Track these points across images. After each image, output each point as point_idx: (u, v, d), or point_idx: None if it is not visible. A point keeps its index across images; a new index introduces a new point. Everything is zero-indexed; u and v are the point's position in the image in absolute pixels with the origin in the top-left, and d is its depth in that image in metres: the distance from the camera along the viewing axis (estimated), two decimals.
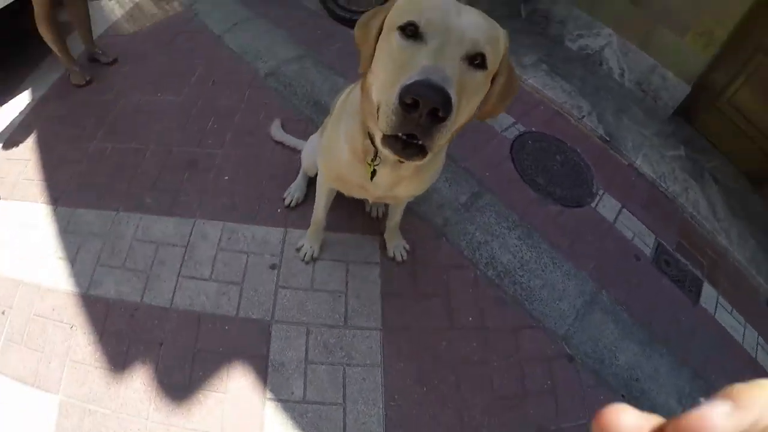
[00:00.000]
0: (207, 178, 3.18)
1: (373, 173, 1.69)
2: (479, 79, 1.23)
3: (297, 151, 3.17)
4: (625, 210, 3.40)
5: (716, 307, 3.16)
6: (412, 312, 2.69)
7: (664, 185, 3.66)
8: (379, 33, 1.32)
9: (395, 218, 2.66)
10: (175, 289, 2.69)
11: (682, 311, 3.03)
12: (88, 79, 3.95)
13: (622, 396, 2.56)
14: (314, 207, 2.56)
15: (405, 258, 2.85)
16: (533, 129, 3.75)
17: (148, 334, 2.52)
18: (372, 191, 1.88)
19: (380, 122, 1.17)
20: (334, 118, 1.88)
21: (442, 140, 1.15)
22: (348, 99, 1.75)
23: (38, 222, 3.01)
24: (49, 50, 3.97)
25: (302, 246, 2.79)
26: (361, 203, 2.97)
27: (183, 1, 5.02)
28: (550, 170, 3.46)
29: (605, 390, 2.57)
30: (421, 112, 1.05)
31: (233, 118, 3.58)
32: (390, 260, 2.88)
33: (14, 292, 2.70)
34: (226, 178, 3.19)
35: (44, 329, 2.54)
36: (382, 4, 1.50)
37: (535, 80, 4.15)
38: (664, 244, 3.32)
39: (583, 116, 3.92)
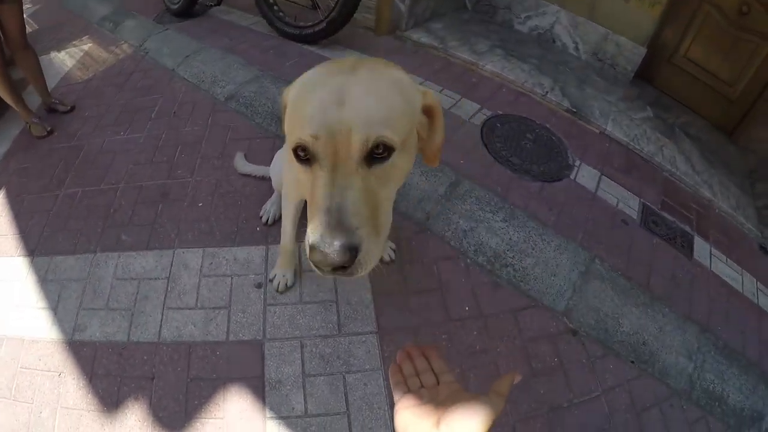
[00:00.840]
0: (181, 207, 3.07)
1: None
2: (389, 166, 1.11)
3: (267, 179, 3.05)
4: (604, 177, 3.30)
5: (710, 259, 3.06)
6: (407, 310, 2.55)
7: (638, 147, 3.58)
8: None
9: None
10: (161, 322, 2.55)
11: (677, 268, 2.91)
12: (48, 129, 3.87)
13: (632, 362, 2.45)
14: (281, 232, 2.42)
15: (393, 257, 2.73)
16: (499, 112, 3.66)
17: (138, 371, 2.39)
18: None
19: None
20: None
21: (373, 254, 1.08)
22: None
23: (16, 275, 2.90)
24: (5, 108, 3.92)
25: (274, 276, 2.64)
26: None
27: (132, 42, 5.01)
28: (524, 149, 3.36)
29: (613, 359, 2.46)
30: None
31: (200, 145, 3.49)
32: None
33: None
34: (200, 204, 3.08)
35: (32, 380, 2.40)
36: None
37: (493, 65, 4.07)
38: (649, 204, 3.23)
39: (546, 92, 3.84)
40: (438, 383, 1.00)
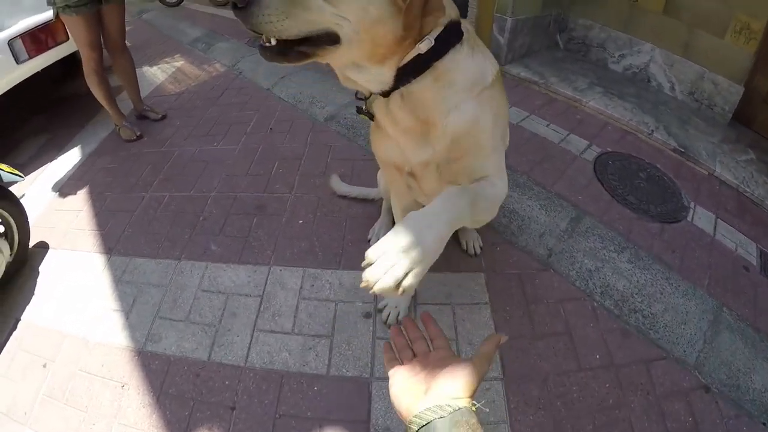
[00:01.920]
0: (279, 223, 2.69)
1: (371, 117, 1.32)
2: None
3: (368, 201, 2.73)
4: (720, 220, 2.79)
5: None
6: (534, 355, 2.03)
7: (748, 190, 3.06)
8: None
9: None
10: (250, 344, 2.10)
11: None
12: (138, 134, 3.66)
13: (763, 424, 1.91)
14: None
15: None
16: (608, 149, 3.23)
17: (217, 397, 1.94)
18: (412, 159, 1.32)
19: None
20: None
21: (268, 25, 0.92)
22: None
23: (89, 272, 2.56)
24: (94, 113, 3.87)
25: (385, 306, 2.17)
26: (452, 238, 2.41)
27: (225, 62, 4.84)
28: (638, 188, 2.90)
29: (746, 420, 1.91)
30: None
31: (299, 162, 3.15)
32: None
33: (59, 344, 2.24)
34: (301, 221, 2.69)
35: (90, 386, 2.03)
36: None
37: (595, 102, 3.64)
38: (767, 251, 2.69)
39: (652, 131, 3.36)
40: (431, 351, 0.94)
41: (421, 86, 1.09)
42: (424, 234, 0.93)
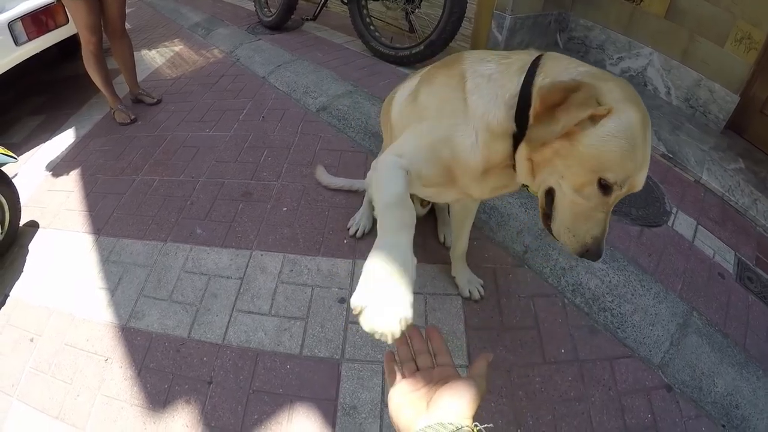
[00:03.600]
0: (264, 209, 2.81)
1: None
2: None
3: (352, 192, 2.85)
4: (700, 227, 2.90)
5: None
6: (500, 346, 2.17)
7: (733, 199, 3.16)
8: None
9: (461, 244, 2.22)
10: (228, 323, 2.24)
11: None
12: (132, 117, 3.78)
13: (723, 426, 2.04)
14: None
15: (482, 294, 2.35)
16: None
17: (195, 372, 2.08)
18: (478, 191, 1.45)
19: (562, 237, 1.24)
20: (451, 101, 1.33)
21: None
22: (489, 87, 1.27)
23: (77, 251, 2.69)
24: (90, 96, 3.99)
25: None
26: (431, 230, 2.64)
27: (223, 48, 4.94)
28: None
29: (706, 421, 2.04)
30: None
31: (288, 151, 3.26)
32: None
33: (46, 319, 2.38)
34: (285, 209, 2.80)
35: (75, 360, 2.18)
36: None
37: None
38: (744, 259, 2.81)
39: None
40: (435, 366, 0.94)
41: None
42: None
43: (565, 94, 1.05)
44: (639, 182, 1.11)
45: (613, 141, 1.03)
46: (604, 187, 1.09)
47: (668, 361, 2.18)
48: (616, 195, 1.11)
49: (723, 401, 2.11)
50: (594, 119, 1.03)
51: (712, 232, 2.89)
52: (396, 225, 1.08)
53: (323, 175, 2.88)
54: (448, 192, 1.53)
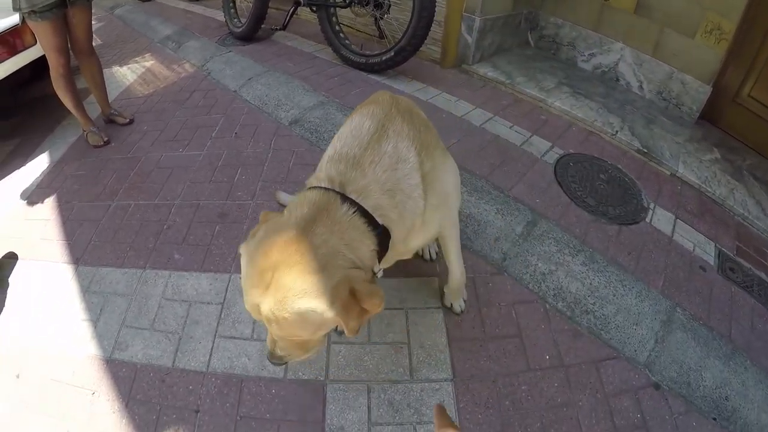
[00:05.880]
0: (240, 230, 2.79)
1: None
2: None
3: None
4: (679, 221, 2.93)
5: None
6: (484, 357, 2.17)
7: (710, 190, 3.20)
8: None
9: (456, 276, 2.16)
10: (211, 350, 2.22)
11: (757, 317, 2.52)
12: (105, 139, 3.73)
13: (714, 419, 2.06)
14: None
15: (463, 309, 2.34)
16: (571, 151, 3.36)
17: (181, 401, 2.06)
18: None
19: None
20: None
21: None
22: None
23: (58, 282, 2.65)
24: (63, 117, 3.90)
25: None
26: None
27: (194, 62, 4.90)
28: (598, 189, 3.03)
29: (696, 416, 2.06)
30: None
31: (261, 168, 3.24)
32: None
33: (29, 354, 2.34)
34: None
35: (63, 395, 2.13)
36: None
37: (561, 102, 3.78)
38: (725, 250, 2.84)
39: (616, 132, 3.51)
40: None
41: None
42: None
43: None
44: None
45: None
46: None
47: (654, 359, 2.20)
48: None
49: (712, 394, 2.13)
50: None
51: (691, 225, 2.92)
52: None
53: (283, 197, 2.87)
54: None
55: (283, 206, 2.77)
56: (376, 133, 1.48)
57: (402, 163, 1.46)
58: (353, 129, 1.54)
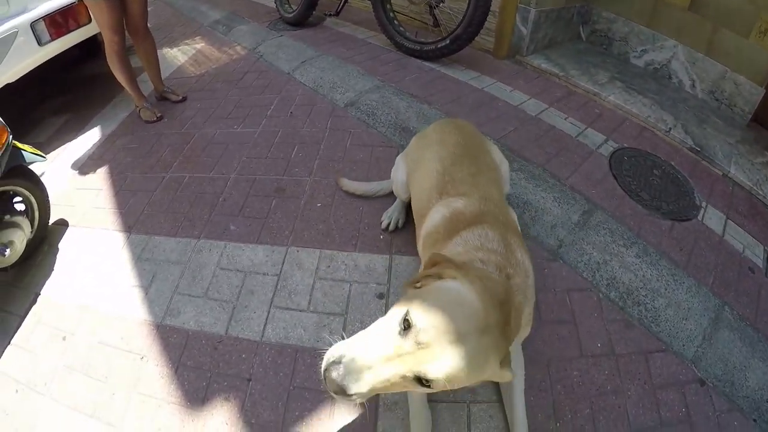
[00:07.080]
0: (297, 205, 2.82)
1: None
2: None
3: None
4: (730, 221, 2.90)
5: None
6: (539, 340, 2.18)
7: (761, 193, 3.16)
8: None
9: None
10: (266, 320, 2.25)
11: None
12: (159, 115, 3.80)
13: (754, 420, 2.04)
14: None
15: None
16: (625, 145, 3.34)
17: (233, 369, 2.08)
18: None
19: None
20: None
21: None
22: None
23: (108, 249, 2.71)
24: (114, 95, 4.02)
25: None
26: None
27: (246, 45, 4.94)
28: (652, 185, 3.02)
29: (738, 415, 2.05)
30: None
31: (318, 146, 3.27)
32: None
33: (78, 318, 2.39)
34: (319, 204, 2.81)
35: (109, 358, 2.19)
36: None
37: (615, 97, 3.74)
38: None
39: (670, 129, 3.47)
40: None
41: None
42: None
43: None
44: None
45: None
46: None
47: (701, 356, 2.19)
48: None
49: (754, 395, 2.11)
50: None
51: (741, 226, 2.89)
52: None
53: (347, 183, 2.86)
54: None
55: (347, 192, 2.83)
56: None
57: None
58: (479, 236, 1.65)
